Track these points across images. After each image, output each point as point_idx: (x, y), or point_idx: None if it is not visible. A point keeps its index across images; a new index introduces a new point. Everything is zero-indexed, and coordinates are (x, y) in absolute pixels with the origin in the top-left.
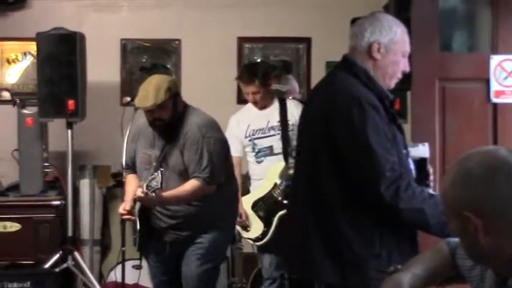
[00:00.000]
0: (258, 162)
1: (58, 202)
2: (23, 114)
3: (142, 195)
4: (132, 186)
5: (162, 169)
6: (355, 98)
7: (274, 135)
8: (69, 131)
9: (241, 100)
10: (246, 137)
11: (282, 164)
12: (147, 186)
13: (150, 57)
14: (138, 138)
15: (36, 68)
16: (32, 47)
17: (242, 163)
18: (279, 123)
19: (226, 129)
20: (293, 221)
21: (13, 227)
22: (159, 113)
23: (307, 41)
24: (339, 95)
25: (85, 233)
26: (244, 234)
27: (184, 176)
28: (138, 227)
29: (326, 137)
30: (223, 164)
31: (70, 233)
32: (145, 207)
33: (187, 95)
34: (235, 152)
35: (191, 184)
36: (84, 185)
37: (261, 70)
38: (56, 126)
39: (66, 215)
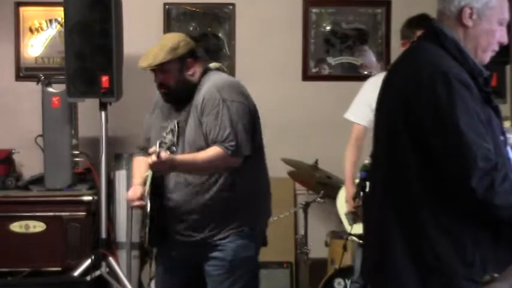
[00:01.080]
0: None
1: (90, 198)
2: (48, 93)
3: (155, 159)
4: (141, 169)
5: (179, 120)
6: (442, 73)
7: None
8: (103, 113)
9: (308, 76)
10: (376, 109)
11: None
12: (160, 144)
13: (199, 24)
14: (154, 109)
15: (64, 39)
16: (59, 13)
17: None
18: None
19: (360, 90)
20: (370, 219)
21: (37, 227)
22: (162, 77)
23: (386, 4)
24: (423, 69)
25: (121, 235)
26: (348, 228)
27: None
28: (148, 210)
29: (407, 119)
30: (250, 135)
31: (104, 235)
32: (157, 190)
33: (242, 69)
34: (361, 118)
35: (213, 150)
36: (121, 177)
37: None
38: (87, 107)
39: (99, 213)
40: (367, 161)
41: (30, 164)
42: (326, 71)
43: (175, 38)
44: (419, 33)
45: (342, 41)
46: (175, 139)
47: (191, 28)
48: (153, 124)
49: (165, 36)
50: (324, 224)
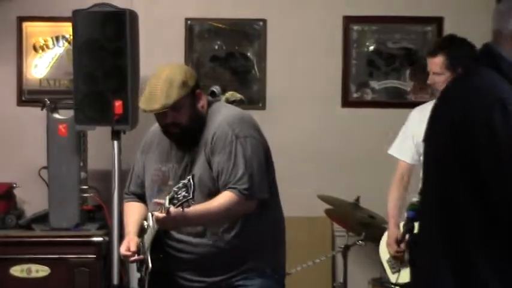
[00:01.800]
0: None
1: (100, 238)
2: (54, 120)
3: (162, 214)
4: (136, 216)
5: (193, 174)
6: (498, 99)
7: None
8: (116, 143)
9: (348, 102)
10: (424, 141)
11: None
12: (171, 199)
13: (225, 43)
14: (148, 149)
15: (72, 58)
16: (67, 29)
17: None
18: None
19: (405, 124)
20: (417, 262)
21: (40, 271)
22: (173, 116)
23: (437, 21)
24: (476, 95)
25: (136, 281)
26: (391, 276)
27: (215, 196)
28: (149, 266)
29: (458, 151)
30: (264, 174)
31: (116, 281)
32: (159, 241)
33: (273, 94)
34: (405, 155)
35: (225, 197)
36: None
37: (459, 48)
38: (97, 136)
39: (110, 255)
40: (415, 199)
41: (33, 200)
42: (369, 96)
43: (181, 70)
44: (431, 61)
45: (388, 62)
46: (191, 195)
47: (216, 47)
48: (146, 166)
49: (162, 71)
50: (365, 270)
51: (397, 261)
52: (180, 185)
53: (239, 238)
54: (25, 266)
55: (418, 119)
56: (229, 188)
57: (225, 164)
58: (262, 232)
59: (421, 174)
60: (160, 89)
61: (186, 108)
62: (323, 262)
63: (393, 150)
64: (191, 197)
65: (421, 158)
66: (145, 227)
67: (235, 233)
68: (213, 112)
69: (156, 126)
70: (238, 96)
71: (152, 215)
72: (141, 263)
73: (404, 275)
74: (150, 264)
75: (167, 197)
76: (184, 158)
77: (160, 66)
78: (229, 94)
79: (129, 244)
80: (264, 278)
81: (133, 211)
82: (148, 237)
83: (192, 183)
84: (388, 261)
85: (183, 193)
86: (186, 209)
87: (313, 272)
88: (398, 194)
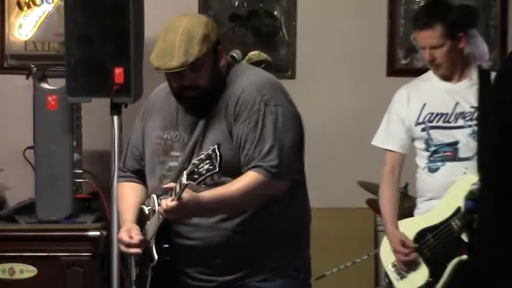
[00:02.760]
0: (431, 170)
1: (97, 233)
2: (42, 91)
3: (172, 203)
4: (133, 200)
5: (219, 143)
6: None
7: (463, 127)
8: (116, 118)
9: (395, 70)
10: (417, 124)
11: (474, 178)
12: (190, 174)
13: None
14: (149, 114)
15: (64, 17)
16: None
17: (403, 167)
18: (473, 110)
19: (389, 107)
20: (477, 263)
21: (25, 271)
22: (192, 77)
23: None
24: None
25: None
26: (397, 283)
27: (234, 175)
28: (155, 257)
29: None
30: (296, 151)
31: (115, 283)
32: (164, 229)
33: (304, 60)
34: (393, 144)
35: (247, 179)
36: None
37: (453, 12)
38: (94, 110)
39: (109, 253)
40: (475, 186)
41: (16, 186)
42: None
43: (201, 21)
44: (418, 34)
45: None
46: (216, 168)
47: (236, 3)
48: (146, 133)
49: (182, 21)
50: None
51: (404, 266)
52: (202, 156)
53: (256, 226)
54: (7, 266)
55: (407, 98)
56: (254, 166)
57: (250, 135)
58: (286, 221)
59: (418, 162)
60: (178, 43)
61: (207, 68)
62: (364, 261)
63: (378, 140)
64: (217, 169)
65: (415, 144)
66: (147, 212)
67: (251, 220)
68: (236, 73)
69: (161, 88)
70: (264, 56)
71: (157, 198)
72: (141, 256)
73: (408, 281)
74: (155, 256)
75: (185, 172)
76: (196, 126)
77: (177, 17)
78: (253, 54)
79: (131, 232)
80: (286, 279)
81: (130, 194)
82: (152, 225)
83: (217, 153)
84: (392, 267)
85: (207, 166)
86: (200, 194)
87: (354, 272)
88: (391, 191)
